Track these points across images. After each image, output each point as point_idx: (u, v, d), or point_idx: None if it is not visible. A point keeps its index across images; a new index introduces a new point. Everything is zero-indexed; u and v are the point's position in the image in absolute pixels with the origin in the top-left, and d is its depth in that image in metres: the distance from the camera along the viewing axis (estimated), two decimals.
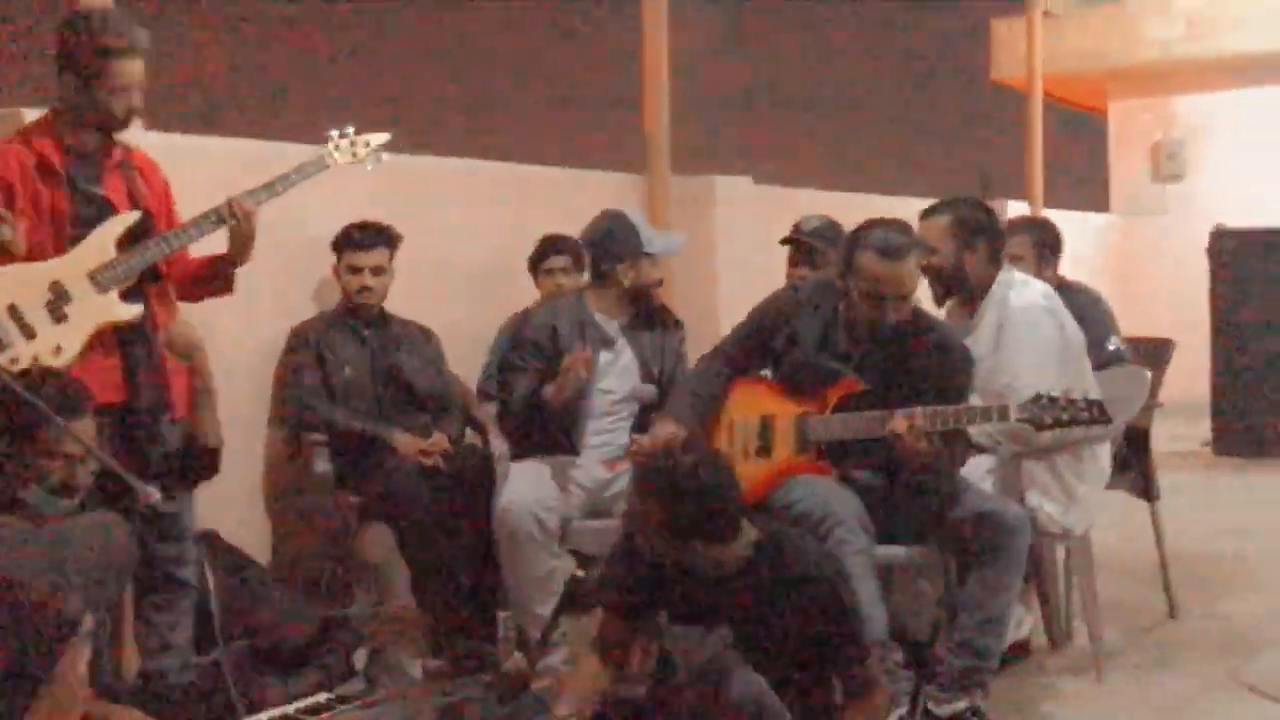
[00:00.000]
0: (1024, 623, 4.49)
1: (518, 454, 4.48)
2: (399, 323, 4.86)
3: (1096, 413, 3.58)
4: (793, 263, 5.29)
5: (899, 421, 3.61)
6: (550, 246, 5.24)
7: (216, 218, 3.69)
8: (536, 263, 5.28)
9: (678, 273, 6.41)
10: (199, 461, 3.71)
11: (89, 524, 3.27)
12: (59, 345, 3.48)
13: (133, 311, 3.59)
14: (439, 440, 4.65)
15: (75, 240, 3.58)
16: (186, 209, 3.82)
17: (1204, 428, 9.24)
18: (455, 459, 4.64)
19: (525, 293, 5.22)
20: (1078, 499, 4.16)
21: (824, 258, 5.04)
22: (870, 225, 3.87)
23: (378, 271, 4.72)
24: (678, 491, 3.03)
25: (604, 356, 4.54)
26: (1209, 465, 8.82)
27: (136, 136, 4.03)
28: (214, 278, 3.88)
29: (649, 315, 4.65)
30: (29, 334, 3.46)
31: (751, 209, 6.75)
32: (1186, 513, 6.26)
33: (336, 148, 3.94)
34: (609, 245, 4.59)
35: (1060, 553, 4.53)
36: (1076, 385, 3.92)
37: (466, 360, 5.05)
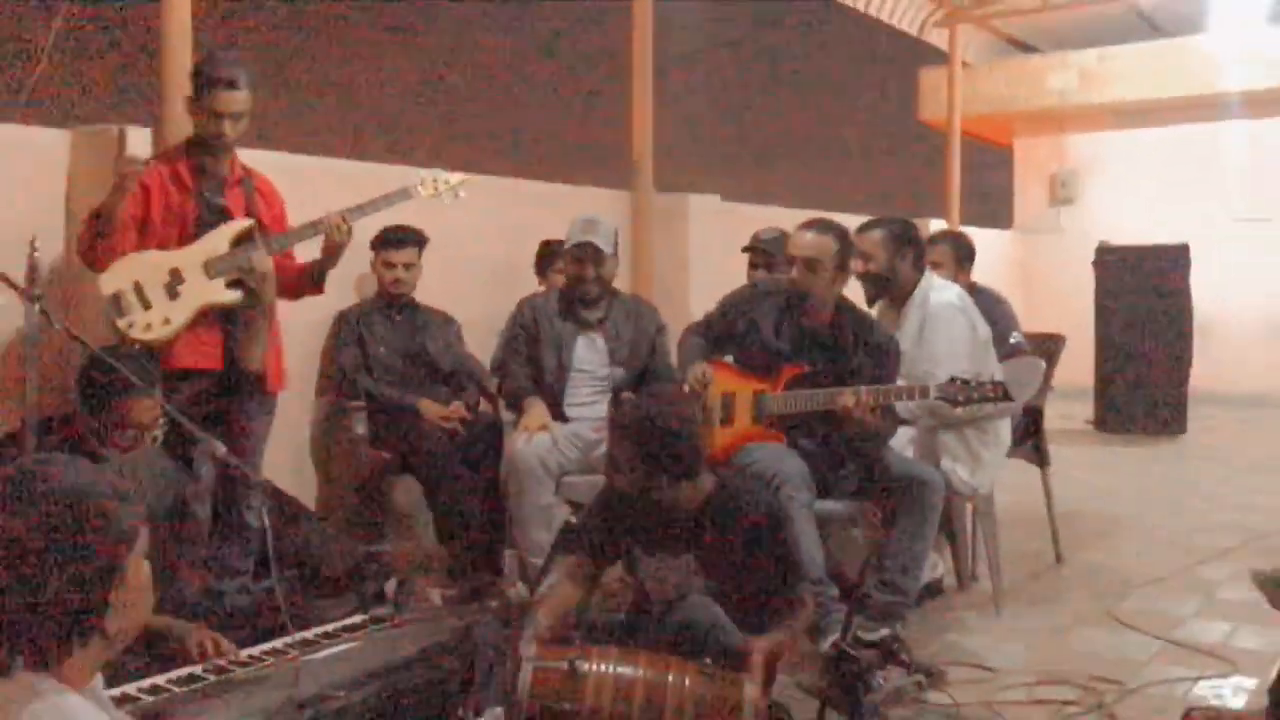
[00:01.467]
0: (937, 566, 4.51)
1: (518, 420, 4.50)
2: (425, 309, 4.84)
3: (1000, 393, 3.60)
4: (752, 266, 5.29)
5: (848, 396, 3.62)
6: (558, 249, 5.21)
7: (314, 229, 3.70)
8: (548, 263, 5.26)
9: (657, 274, 6.43)
10: (241, 381, 3.70)
11: (145, 460, 3.28)
12: (168, 317, 3.50)
13: (233, 296, 3.60)
14: (457, 408, 4.65)
15: (198, 237, 3.61)
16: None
17: (1088, 409, 9.29)
18: (471, 424, 4.63)
19: (529, 287, 5.20)
20: (984, 464, 4.18)
21: (777, 263, 5.05)
22: (802, 223, 3.93)
23: (409, 267, 4.71)
24: (649, 430, 3.01)
25: (581, 341, 4.55)
26: (1091, 440, 8.87)
27: (252, 155, 4.00)
28: (309, 279, 3.89)
29: (622, 308, 4.65)
30: (146, 305, 3.49)
31: (719, 222, 6.75)
32: (1072, 478, 6.31)
33: (422, 182, 3.94)
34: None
35: (968, 509, 4.55)
36: (984, 371, 3.94)
37: (481, 342, 5.04)
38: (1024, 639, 4.02)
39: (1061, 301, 10.40)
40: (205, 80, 3.59)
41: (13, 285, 2.89)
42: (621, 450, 3.06)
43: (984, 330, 4.25)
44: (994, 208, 13.05)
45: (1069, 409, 8.92)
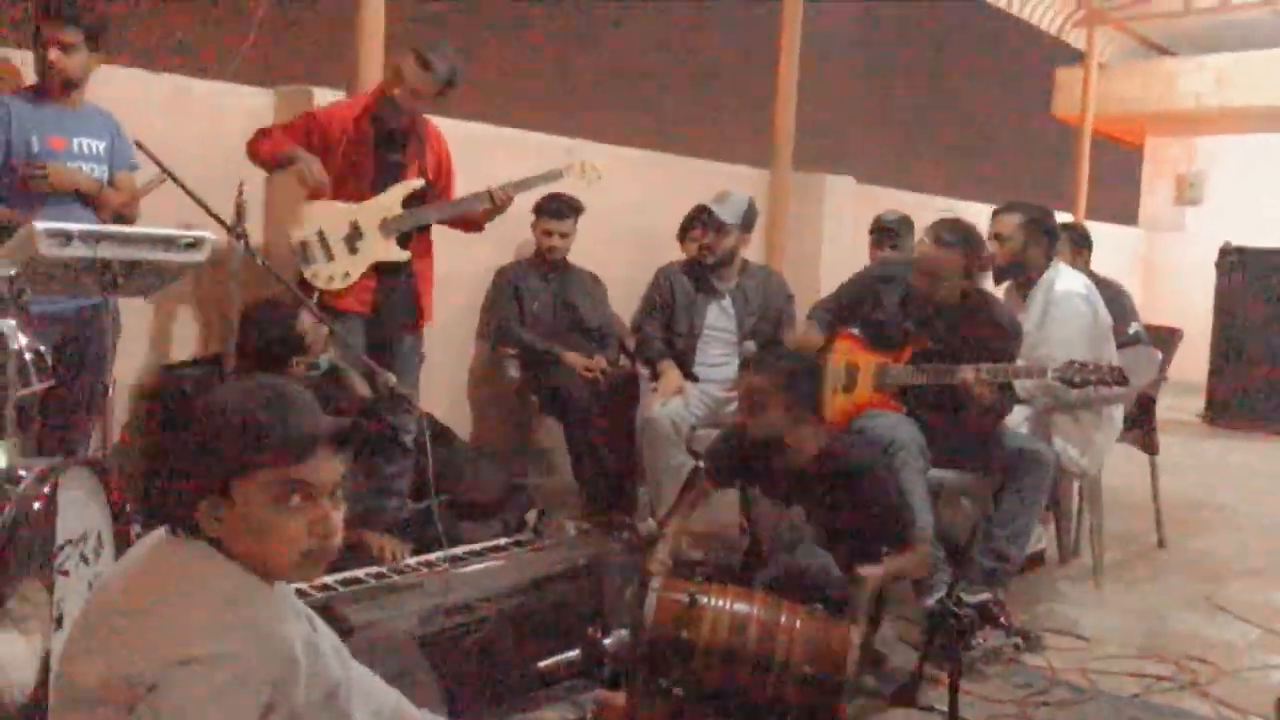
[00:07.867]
0: (1041, 539, 4.39)
1: (654, 377, 4.53)
2: (576, 270, 4.88)
3: (1116, 376, 3.46)
4: (875, 246, 5.20)
5: (968, 371, 3.54)
6: (694, 219, 5.19)
7: (478, 199, 3.80)
8: (684, 231, 5.25)
9: (791, 248, 6.35)
10: (389, 326, 3.79)
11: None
12: (348, 271, 3.61)
13: (403, 255, 3.71)
14: (600, 360, 4.69)
15: (375, 191, 3.70)
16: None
17: (1199, 402, 8.87)
18: (610, 376, 4.68)
19: (673, 254, 5.19)
20: (1094, 446, 4.04)
21: (902, 243, 4.94)
22: (935, 223, 3.78)
23: (564, 235, 4.75)
24: (775, 368, 3.08)
25: (712, 307, 4.55)
26: (1200, 432, 8.47)
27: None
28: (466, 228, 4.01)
29: (752, 277, 4.63)
30: (329, 257, 3.59)
31: (853, 202, 6.62)
32: (1179, 467, 6.05)
33: (569, 168, 4.00)
34: None
35: (1075, 487, 4.41)
36: (1103, 357, 3.80)
37: (624, 303, 5.07)
38: (1121, 615, 3.89)
39: (1182, 299, 9.92)
40: (416, 59, 3.65)
41: (221, 223, 3.00)
42: (751, 384, 3.09)
43: (1105, 318, 4.08)
44: (1121, 205, 12.48)
45: (1181, 403, 8.53)
